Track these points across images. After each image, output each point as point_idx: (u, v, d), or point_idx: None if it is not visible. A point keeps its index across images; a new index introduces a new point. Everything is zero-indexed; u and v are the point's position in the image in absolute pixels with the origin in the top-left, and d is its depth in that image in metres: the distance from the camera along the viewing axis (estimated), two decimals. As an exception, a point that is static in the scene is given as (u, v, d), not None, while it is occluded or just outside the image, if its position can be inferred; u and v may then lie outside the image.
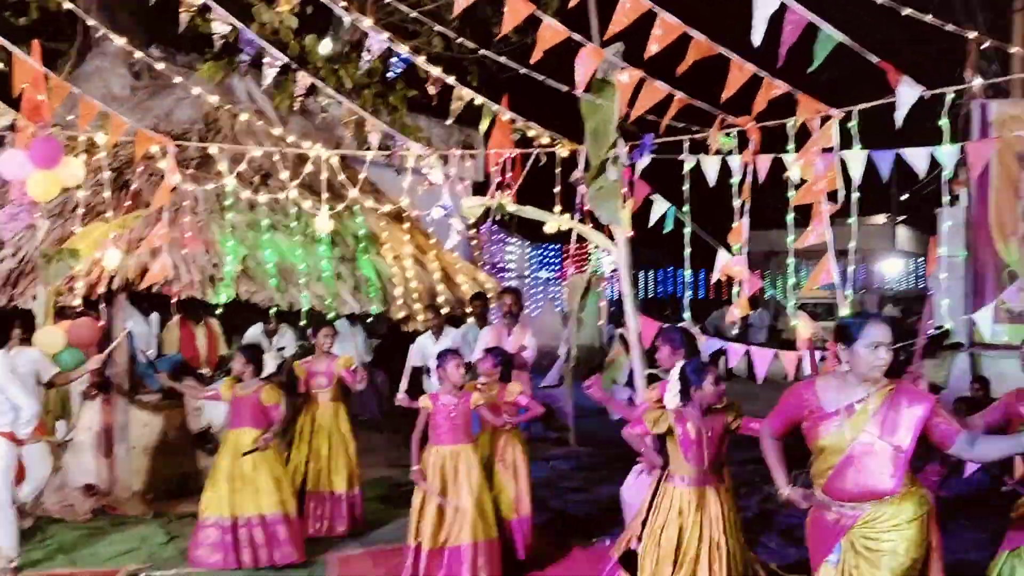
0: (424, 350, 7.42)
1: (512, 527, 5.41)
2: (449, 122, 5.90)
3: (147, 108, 8.43)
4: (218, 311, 7.58)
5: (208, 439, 7.38)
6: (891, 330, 3.18)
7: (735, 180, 5.58)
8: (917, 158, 4.91)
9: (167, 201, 6.45)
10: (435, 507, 5.01)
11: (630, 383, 5.72)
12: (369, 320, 8.52)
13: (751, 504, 6.79)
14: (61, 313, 6.59)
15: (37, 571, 5.27)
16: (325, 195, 6.62)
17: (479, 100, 5.78)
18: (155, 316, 7.85)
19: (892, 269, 24.39)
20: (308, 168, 6.76)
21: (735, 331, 14.92)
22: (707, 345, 5.76)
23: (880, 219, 24.10)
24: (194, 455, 7.37)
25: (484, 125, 5.93)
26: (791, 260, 5.60)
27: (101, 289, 6.65)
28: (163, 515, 6.57)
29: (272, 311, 7.53)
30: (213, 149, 7.10)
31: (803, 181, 5.29)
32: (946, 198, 5.20)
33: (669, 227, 5.77)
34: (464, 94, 5.77)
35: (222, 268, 6.99)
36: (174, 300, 7.23)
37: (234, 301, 7.16)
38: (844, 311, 5.53)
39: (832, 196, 5.22)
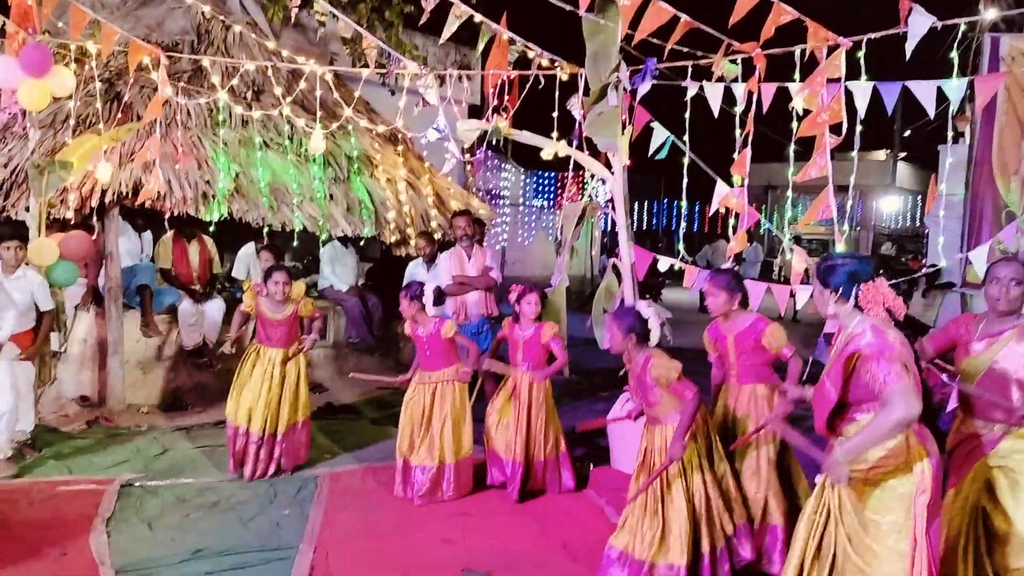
0: (415, 278, 7.34)
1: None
2: (444, 40, 5.74)
3: (138, 17, 8.21)
4: (211, 228, 7.54)
5: (203, 354, 7.42)
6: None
7: (738, 109, 5.49)
8: (924, 92, 4.82)
9: (159, 114, 6.33)
10: (422, 426, 5.25)
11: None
12: (362, 243, 8.49)
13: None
14: (54, 226, 6.54)
15: (34, 478, 5.35)
16: (319, 113, 6.51)
17: (477, 18, 5.62)
18: (148, 233, 7.79)
19: (890, 206, 24.26)
20: (302, 85, 6.63)
21: (727, 265, 14.92)
22: (699, 278, 5.74)
23: (881, 155, 23.87)
24: (189, 369, 7.42)
25: (482, 44, 5.78)
26: (789, 194, 5.56)
27: (94, 203, 6.60)
28: (157, 428, 6.64)
29: (265, 230, 7.47)
30: (205, 62, 6.95)
31: (807, 112, 5.21)
32: (950, 134, 5.12)
33: (664, 154, 5.70)
34: (462, 11, 5.61)
35: (215, 185, 6.92)
36: (167, 216, 7.16)
37: (226, 219, 7.12)
38: (840, 247, 5.52)
39: (835, 129, 5.14)
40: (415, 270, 7.53)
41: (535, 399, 5.39)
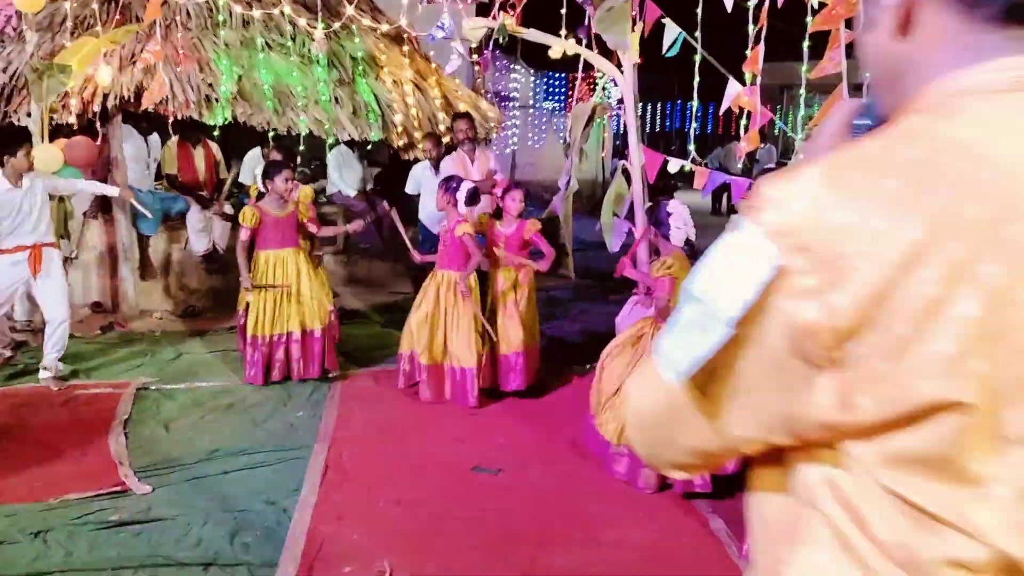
0: (421, 181, 7.20)
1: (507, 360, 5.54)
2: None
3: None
4: (215, 133, 7.46)
5: (214, 259, 7.47)
6: None
7: (752, 2, 5.30)
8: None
9: (158, 15, 6.19)
10: (428, 325, 5.32)
11: (630, 216, 5.68)
12: (368, 147, 8.39)
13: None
14: (57, 132, 6.49)
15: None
16: (320, 12, 6.34)
17: (483, -91, 5.40)
18: (155, 137, 7.71)
19: (907, 105, 23.75)
20: (303, -18, 6.44)
21: (739, 166, 14.71)
22: (711, 180, 5.67)
23: (900, 52, 23.21)
24: (200, 275, 7.47)
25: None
26: (803, 92, 5.42)
27: (96, 108, 6.52)
28: (170, 333, 6.74)
29: (270, 135, 7.38)
30: (203, -41, 6.74)
31: (823, 6, 5.03)
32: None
33: (676, 52, 5.54)
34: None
35: (217, 88, 6.81)
36: (171, 120, 7.08)
37: (231, 123, 7.03)
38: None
39: (850, 24, 4.98)
40: (422, 173, 7.33)
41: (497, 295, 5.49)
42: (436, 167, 7.12)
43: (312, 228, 5.71)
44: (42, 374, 5.38)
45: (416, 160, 7.83)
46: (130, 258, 7.02)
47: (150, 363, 5.96)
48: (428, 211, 6.90)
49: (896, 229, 0.78)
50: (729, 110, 5.64)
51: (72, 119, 6.44)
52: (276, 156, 6.56)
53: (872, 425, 0.81)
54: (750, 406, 0.89)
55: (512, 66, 16.18)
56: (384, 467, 4.34)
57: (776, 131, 17.24)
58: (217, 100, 6.79)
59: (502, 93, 15.65)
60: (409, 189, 7.19)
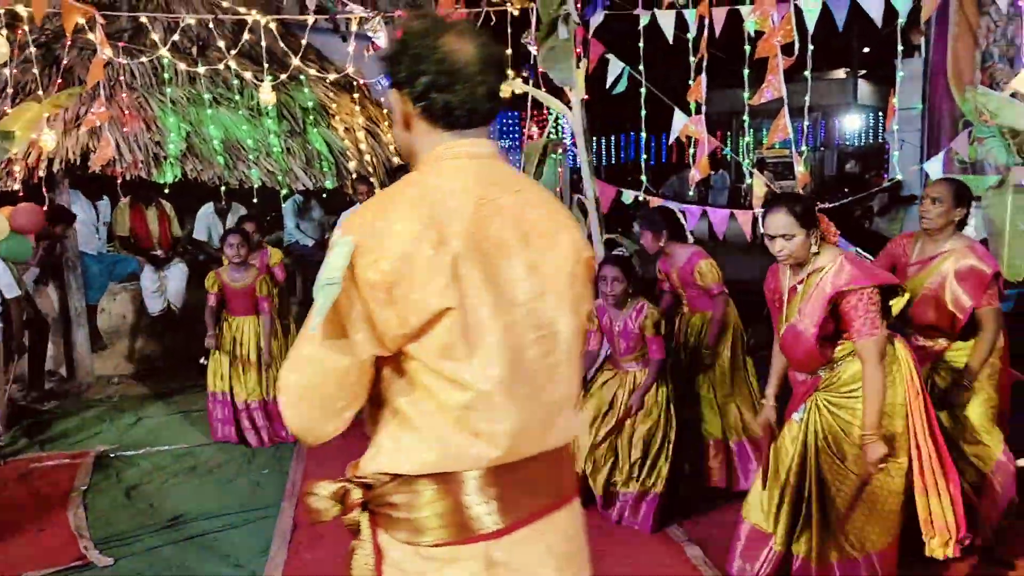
0: None
1: None
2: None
3: (71, -23, 7.88)
4: (166, 191, 7.39)
5: (170, 320, 7.34)
6: (789, 218, 3.01)
7: (691, 35, 5.42)
8: (871, 5, 4.77)
9: (101, 77, 6.13)
10: None
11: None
12: (325, 196, 8.37)
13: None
14: (3, 199, 6.37)
15: (6, 460, 5.29)
16: (266, 65, 6.34)
17: (422, -43, 5.46)
18: (105, 200, 7.61)
19: (852, 124, 24.29)
20: (247, 36, 6.44)
21: (690, 193, 14.89)
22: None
23: (840, 73, 23.81)
24: (157, 336, 7.34)
25: (427, -17, 5.62)
26: (746, 118, 5.53)
27: (42, 172, 6.42)
28: (128, 397, 6.60)
29: (223, 189, 7.33)
30: (144, 19, 6.72)
31: (760, 34, 5.15)
32: (900, 47, 5.09)
33: (622, 87, 5.62)
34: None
35: (166, 146, 6.76)
36: (120, 181, 7.00)
37: (182, 180, 6.97)
38: (799, 168, 5.52)
39: (788, 49, 5.10)
40: None
41: None
42: None
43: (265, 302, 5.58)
44: None
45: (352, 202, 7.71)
46: (83, 324, 6.88)
47: (108, 430, 5.82)
48: None
49: (407, 226, 1.45)
50: (680, 139, 5.73)
51: (17, 185, 6.33)
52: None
53: (418, 329, 1.45)
54: (363, 331, 1.46)
55: (463, 107, 16.28)
56: None
57: (728, 157, 17.53)
58: (166, 158, 6.73)
59: (455, 134, 15.72)
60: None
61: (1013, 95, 4.55)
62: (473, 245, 1.48)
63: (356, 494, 1.58)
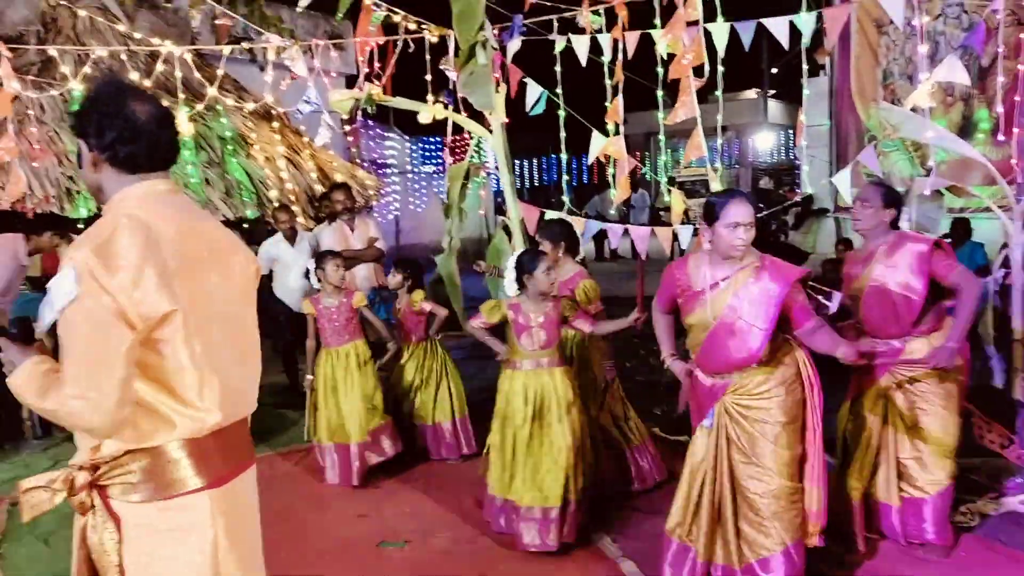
0: (276, 256, 6.87)
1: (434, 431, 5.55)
2: (300, 9, 5.59)
3: (-26, 10, 7.68)
4: (79, 226, 7.19)
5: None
6: (752, 209, 3.19)
7: (606, 59, 5.56)
8: (777, 27, 4.98)
9: (9, 112, 5.96)
10: (331, 406, 5.19)
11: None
12: (246, 226, 8.25)
13: (640, 375, 7.10)
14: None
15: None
16: (182, 96, 6.25)
17: (335, -17, 5.47)
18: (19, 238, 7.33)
19: (765, 142, 25.12)
20: (161, 67, 6.34)
21: (612, 212, 15.17)
22: (588, 228, 5.84)
23: (751, 94, 24.65)
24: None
25: (341, 12, 5.63)
26: (662, 138, 5.69)
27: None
28: (44, 439, 6.36)
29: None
30: (53, 51, 6.56)
31: (672, 57, 5.32)
32: (805, 67, 5.32)
33: (540, 110, 5.73)
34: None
35: (79, 180, 6.59)
36: (30, 217, 6.78)
37: (97, 214, 6.79)
38: (715, 186, 5.69)
39: (699, 71, 5.27)
40: (274, 248, 6.93)
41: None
42: (291, 240, 6.95)
43: None
44: None
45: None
46: (-5, 365, 6.61)
47: (24, 474, 5.57)
48: (289, 286, 6.78)
49: (133, 241, 1.83)
50: (600, 159, 5.85)
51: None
52: None
53: (153, 325, 1.87)
54: (114, 328, 1.82)
55: (386, 133, 16.30)
56: (289, 551, 4.19)
57: (648, 177, 17.91)
58: (79, 192, 6.56)
59: (379, 160, 15.73)
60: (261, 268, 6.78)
61: (913, 109, 4.78)
62: (177, 263, 1.90)
63: (82, 477, 1.94)
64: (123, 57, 6.58)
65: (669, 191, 5.83)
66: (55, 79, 6.89)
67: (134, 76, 6.39)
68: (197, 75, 6.71)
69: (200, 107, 6.70)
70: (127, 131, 1.93)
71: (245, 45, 5.91)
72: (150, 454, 1.92)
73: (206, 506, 1.98)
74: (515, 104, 5.80)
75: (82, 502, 1.94)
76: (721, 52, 5.10)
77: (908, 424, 3.80)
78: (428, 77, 5.95)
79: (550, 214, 6.01)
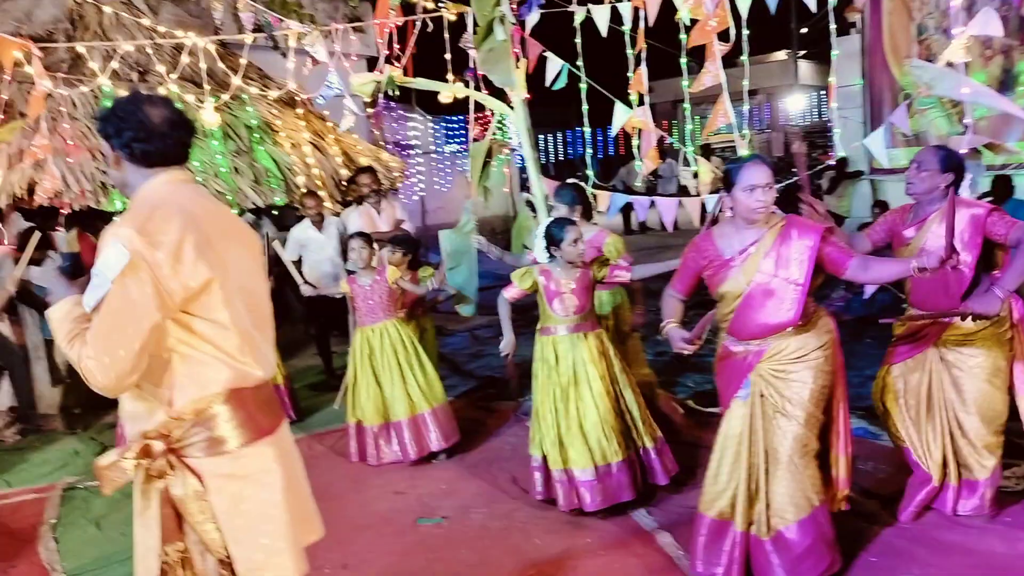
0: (305, 242, 6.99)
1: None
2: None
3: (5, 11, 7.78)
4: (115, 219, 7.32)
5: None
6: (769, 170, 3.16)
7: (626, 28, 5.51)
8: (803, -16, 4.90)
9: (42, 109, 6.08)
10: (370, 385, 5.24)
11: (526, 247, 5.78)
12: (275, 213, 8.35)
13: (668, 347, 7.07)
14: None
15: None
16: (207, 86, 6.32)
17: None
18: (61, 233, 7.49)
19: (796, 105, 24.70)
20: (186, 59, 6.41)
21: (638, 184, 15.01)
22: (613, 201, 5.82)
23: (781, 55, 24.21)
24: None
25: (360, -7, 5.65)
26: (687, 105, 5.63)
27: (-12, 209, 6.35)
28: (92, 427, 6.53)
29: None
30: (81, 48, 6.67)
31: (695, 22, 5.26)
32: (834, 26, 5.22)
33: (562, 84, 5.70)
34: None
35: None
36: (67, 212, 6.93)
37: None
38: (743, 151, 5.63)
39: (724, 35, 5.21)
40: (302, 234, 7.06)
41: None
42: (319, 225, 7.03)
43: None
44: None
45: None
46: (41, 357, 6.79)
47: (75, 461, 5.77)
48: (319, 270, 6.88)
49: (172, 221, 2.11)
50: (627, 131, 5.82)
51: (-36, 223, 6.26)
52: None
53: (196, 292, 2.14)
54: (158, 305, 2.08)
55: (409, 115, 16.30)
56: (326, 530, 4.26)
57: (675, 146, 17.73)
58: (113, 186, 6.67)
59: (403, 142, 15.74)
60: (290, 254, 6.73)
61: (948, 65, 4.66)
62: (208, 238, 2.17)
63: (159, 444, 2.17)
64: (149, 51, 6.66)
65: (695, 160, 5.78)
66: (85, 75, 6.99)
67: (160, 69, 6.48)
68: (221, 65, 6.76)
69: (226, 97, 6.78)
70: (141, 131, 2.21)
71: (267, 33, 5.93)
72: (211, 414, 2.19)
73: (269, 453, 2.29)
74: (536, 78, 5.77)
75: (161, 467, 2.17)
76: (745, 14, 5.03)
77: (953, 398, 3.75)
78: (448, 56, 5.95)
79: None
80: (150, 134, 2.21)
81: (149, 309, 2.05)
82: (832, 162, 7.07)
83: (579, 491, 4.13)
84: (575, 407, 4.16)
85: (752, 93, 5.71)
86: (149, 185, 2.25)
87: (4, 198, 6.37)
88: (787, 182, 4.91)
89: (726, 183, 3.23)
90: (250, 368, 2.25)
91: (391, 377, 5.21)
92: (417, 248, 5.75)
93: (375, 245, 5.43)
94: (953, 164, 3.70)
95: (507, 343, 4.48)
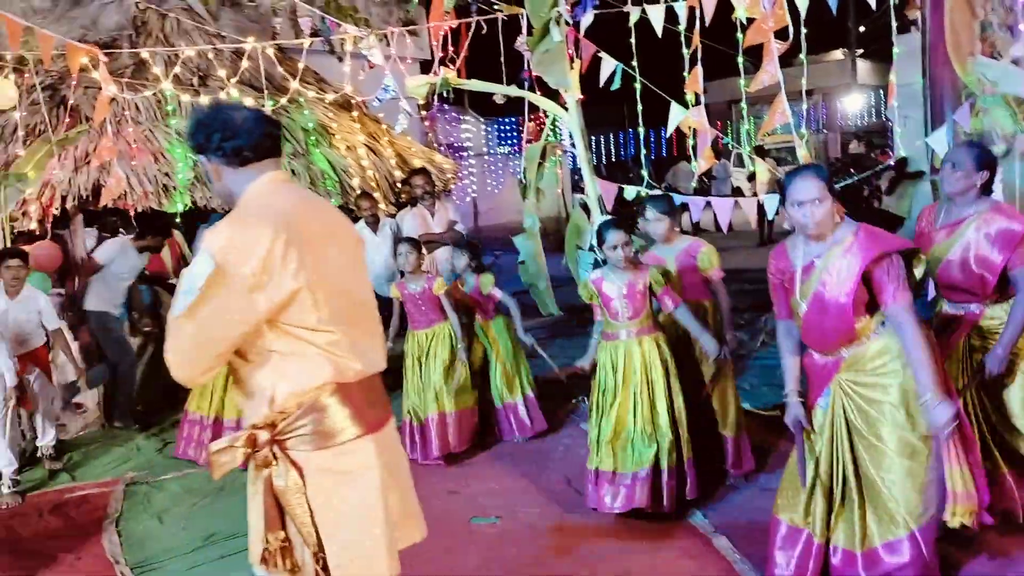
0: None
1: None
2: (377, -2, 5.68)
3: (72, 19, 8.02)
4: (177, 220, 7.50)
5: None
6: (820, 183, 3.02)
7: (682, 27, 5.47)
8: (861, -16, 4.80)
9: (107, 113, 6.26)
10: (417, 385, 5.36)
11: (593, 248, 5.77)
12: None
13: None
14: (20, 239, 6.50)
15: (40, 491, 5.39)
16: (266, 91, 6.44)
17: (409, -30, 5.55)
18: (122, 235, 7.69)
19: (854, 105, 24.20)
20: (246, 64, 6.54)
21: (691, 185, 14.82)
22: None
23: (838, 54, 23.77)
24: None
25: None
26: (744, 105, 5.57)
27: (56, 210, 6.54)
28: (154, 424, 6.69)
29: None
30: (145, 54, 6.84)
31: (751, 21, 5.20)
32: (894, 23, 5.12)
33: (617, 85, 5.68)
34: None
35: (175, 176, 6.87)
36: (132, 214, 7.12)
37: (192, 208, 7.07)
38: (802, 151, 5.54)
39: (782, 34, 5.14)
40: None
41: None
42: (374, 226, 7.11)
43: None
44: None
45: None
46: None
47: (137, 456, 5.92)
48: (373, 272, 6.92)
49: (261, 234, 2.12)
50: (680, 131, 5.77)
51: (33, 224, 6.46)
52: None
53: (283, 304, 2.16)
54: (247, 313, 2.15)
55: (462, 117, 16.40)
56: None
57: (730, 146, 17.54)
58: (175, 188, 6.84)
59: (455, 144, 15.85)
60: None
61: (1014, 62, 4.54)
62: (305, 240, 2.20)
63: (264, 435, 2.24)
64: (210, 56, 6.81)
65: (752, 160, 5.71)
66: (147, 80, 7.18)
67: (220, 73, 6.61)
68: (280, 69, 6.89)
69: (283, 100, 6.89)
70: (228, 130, 2.28)
71: (324, 37, 6.03)
72: (316, 408, 2.23)
73: (371, 449, 2.30)
74: (589, 79, 5.76)
75: (265, 456, 2.24)
76: (803, 13, 4.96)
77: (992, 397, 3.63)
78: (502, 57, 5.97)
79: (628, 189, 5.97)
80: (237, 130, 2.27)
81: (228, 320, 2.13)
82: (891, 162, 6.93)
83: (601, 490, 4.12)
84: (618, 410, 4.14)
85: (808, 93, 5.63)
86: (251, 189, 2.30)
87: (70, 200, 6.56)
88: (845, 182, 4.82)
89: (781, 194, 3.17)
90: (348, 362, 2.27)
91: (435, 377, 5.33)
92: (479, 252, 5.77)
93: (424, 249, 5.47)
94: (987, 162, 3.63)
95: (583, 359, 4.50)
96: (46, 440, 5.76)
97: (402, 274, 5.58)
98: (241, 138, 2.27)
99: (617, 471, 4.07)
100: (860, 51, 23.12)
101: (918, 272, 3.27)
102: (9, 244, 6.20)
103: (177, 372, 2.20)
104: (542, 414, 5.60)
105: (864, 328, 3.08)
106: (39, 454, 5.76)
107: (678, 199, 5.98)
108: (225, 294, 2.09)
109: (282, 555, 2.27)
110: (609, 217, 4.49)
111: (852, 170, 14.99)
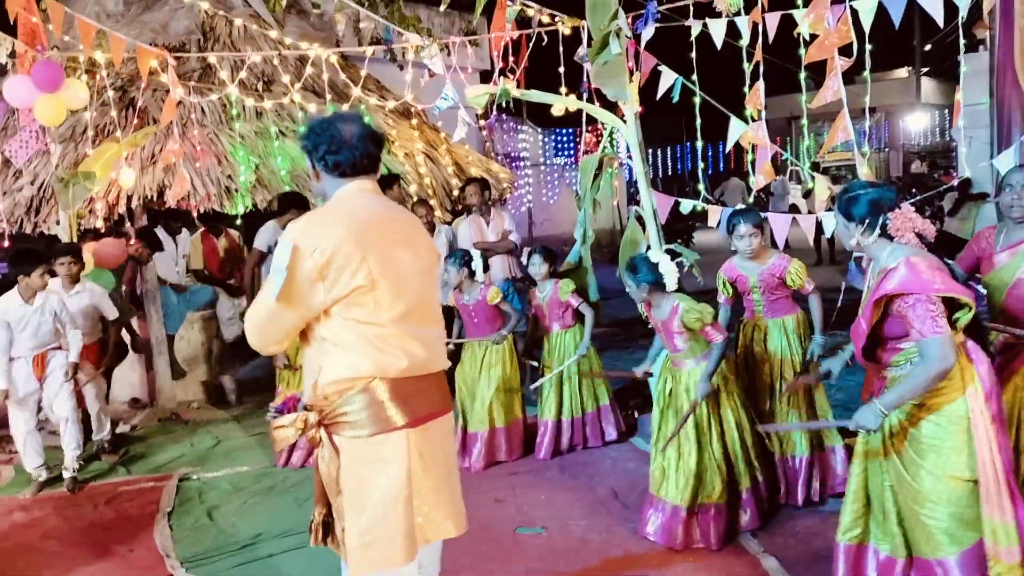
0: None
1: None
2: (443, 8, 5.74)
3: (143, 22, 8.29)
4: (237, 221, 7.66)
5: (245, 346, 7.54)
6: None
7: (744, 42, 5.41)
8: (931, 2, 4.71)
9: (174, 115, 6.42)
10: (471, 395, 5.43)
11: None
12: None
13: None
14: (87, 236, 6.69)
15: (96, 483, 5.53)
16: (328, 96, 6.55)
17: (473, -19, 5.60)
18: (184, 234, 7.88)
19: (917, 124, 23.68)
20: (309, 70, 6.65)
21: (742, 200, 14.62)
22: (724, 216, 5.70)
23: (903, 72, 23.32)
24: (233, 363, 7.57)
25: (479, 9, 5.75)
26: (804, 122, 5.49)
27: (121, 209, 6.73)
28: (208, 421, 6.82)
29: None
30: (212, 58, 7.00)
31: (815, 37, 5.12)
32: (963, 42, 5.00)
33: (676, 97, 5.63)
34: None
35: (236, 178, 7.02)
36: (195, 214, 7.29)
37: (253, 210, 7.22)
38: (863, 170, 5.44)
39: (846, 51, 5.06)
40: None
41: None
42: (430, 233, 7.15)
43: None
44: (65, 474, 5.43)
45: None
46: (163, 352, 7.15)
47: (190, 453, 6.03)
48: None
49: (333, 232, 2.40)
50: (739, 146, 5.70)
51: (99, 222, 6.65)
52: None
53: (341, 297, 2.41)
54: (307, 298, 2.39)
55: (519, 127, 16.46)
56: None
57: (789, 163, 17.31)
58: (237, 190, 6.98)
59: (512, 153, 15.90)
60: None
61: (1084, 85, 4.41)
62: (374, 242, 2.45)
63: (313, 418, 2.49)
64: (275, 62, 6.94)
65: (812, 177, 5.63)
66: (214, 84, 7.35)
67: (285, 79, 6.74)
68: (342, 76, 6.99)
69: (345, 107, 6.99)
70: (333, 144, 2.52)
71: (386, 46, 6.11)
72: (360, 397, 2.45)
73: (403, 443, 2.48)
74: (648, 91, 5.73)
75: (312, 437, 2.51)
76: (868, 31, 4.88)
77: None
78: (562, 69, 5.98)
79: (685, 203, 5.91)
80: (340, 146, 2.51)
81: (296, 306, 2.40)
82: (954, 183, 6.76)
83: (647, 510, 4.12)
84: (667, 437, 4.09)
85: (871, 111, 5.55)
86: (339, 193, 2.56)
87: (136, 200, 6.74)
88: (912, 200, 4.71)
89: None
90: (391, 358, 2.45)
91: (488, 389, 5.37)
92: (555, 258, 5.77)
93: (474, 264, 5.47)
94: None
95: (639, 369, 4.55)
96: (102, 434, 5.93)
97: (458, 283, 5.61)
98: (343, 154, 2.51)
99: (666, 500, 4.03)
100: (925, 69, 22.66)
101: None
102: (76, 241, 6.39)
103: (251, 339, 2.52)
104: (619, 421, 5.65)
105: (898, 358, 3.02)
106: (94, 448, 5.93)
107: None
108: (291, 281, 2.36)
109: (323, 528, 2.57)
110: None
111: (914, 190, 14.70)
